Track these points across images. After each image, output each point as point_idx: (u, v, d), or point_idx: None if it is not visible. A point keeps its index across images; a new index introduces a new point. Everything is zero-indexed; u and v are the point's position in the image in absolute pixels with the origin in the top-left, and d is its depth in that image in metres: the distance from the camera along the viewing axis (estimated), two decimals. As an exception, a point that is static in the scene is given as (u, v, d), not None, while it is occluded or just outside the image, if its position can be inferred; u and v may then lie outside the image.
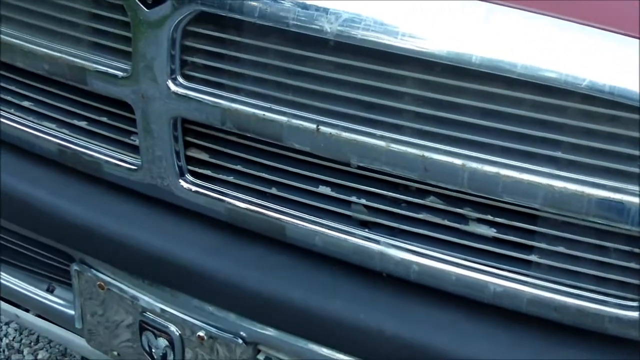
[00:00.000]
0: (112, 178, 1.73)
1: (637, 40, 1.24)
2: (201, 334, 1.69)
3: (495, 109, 1.33)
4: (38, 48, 1.69)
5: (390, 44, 1.35)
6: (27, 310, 2.10)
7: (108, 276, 1.78)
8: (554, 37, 1.28)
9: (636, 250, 1.34)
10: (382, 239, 1.49)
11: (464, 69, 1.32)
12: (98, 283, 1.80)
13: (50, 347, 3.03)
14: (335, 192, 1.52)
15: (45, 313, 2.01)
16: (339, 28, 1.36)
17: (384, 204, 1.49)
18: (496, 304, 1.43)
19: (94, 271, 1.80)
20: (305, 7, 1.38)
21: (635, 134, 1.27)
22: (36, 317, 2.08)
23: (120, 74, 1.60)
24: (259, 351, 1.66)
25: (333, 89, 1.42)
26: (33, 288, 2.01)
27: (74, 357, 2.99)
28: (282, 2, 1.40)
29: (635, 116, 1.25)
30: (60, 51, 1.67)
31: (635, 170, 1.29)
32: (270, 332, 1.61)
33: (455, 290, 1.45)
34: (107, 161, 1.72)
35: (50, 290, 2.01)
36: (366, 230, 1.51)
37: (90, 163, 1.74)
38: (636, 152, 1.28)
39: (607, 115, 1.28)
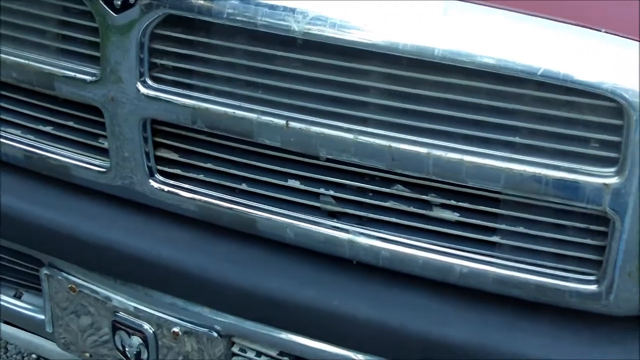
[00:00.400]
0: (81, 181, 1.77)
1: (588, 29, 1.33)
2: (176, 329, 1.73)
3: (457, 98, 1.41)
4: (6, 57, 1.72)
5: (355, 40, 1.41)
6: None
7: (79, 278, 1.81)
8: (510, 29, 1.36)
9: (592, 227, 1.42)
10: (350, 228, 1.55)
11: (426, 62, 1.39)
12: (69, 286, 1.82)
13: (7, 358, 3.02)
14: (303, 185, 1.58)
15: (14, 319, 2.03)
16: (305, 27, 1.43)
17: (352, 194, 1.55)
18: (463, 284, 1.51)
19: (65, 274, 1.82)
20: (272, 7, 1.44)
21: (587, 118, 1.35)
22: (3, 324, 2.09)
23: (89, 78, 1.64)
24: (233, 343, 1.71)
25: (301, 86, 1.48)
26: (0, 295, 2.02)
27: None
28: (250, 3, 1.45)
29: (587, 100, 1.34)
30: (28, 58, 1.70)
31: (588, 151, 1.37)
32: (244, 324, 1.66)
33: (423, 273, 1.52)
34: (75, 165, 1.75)
35: (17, 297, 2.03)
36: (335, 220, 1.57)
37: (58, 167, 1.77)
38: (588, 135, 1.36)
39: (561, 101, 1.36)
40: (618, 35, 1.32)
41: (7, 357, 2.99)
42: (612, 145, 1.35)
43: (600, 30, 1.32)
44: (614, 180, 1.35)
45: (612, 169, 1.35)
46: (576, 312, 1.47)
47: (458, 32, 1.37)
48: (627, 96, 1.30)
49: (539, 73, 1.33)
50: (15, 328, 2.07)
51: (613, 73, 1.31)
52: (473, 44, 1.36)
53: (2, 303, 2.02)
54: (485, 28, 1.36)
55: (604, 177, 1.36)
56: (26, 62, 1.70)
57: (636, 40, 1.32)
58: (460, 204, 1.48)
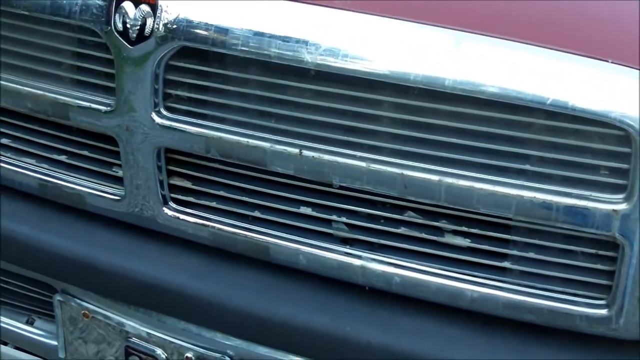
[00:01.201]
0: (95, 209, 1.79)
1: (595, 60, 1.36)
2: (189, 355, 1.75)
3: (467, 127, 1.44)
4: (22, 87, 1.75)
5: (367, 70, 1.44)
6: (5, 344, 2.13)
7: (92, 304, 1.83)
8: (519, 61, 1.39)
9: (601, 252, 1.45)
10: (363, 254, 1.58)
11: (437, 92, 1.42)
12: (82, 312, 1.84)
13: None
14: (316, 212, 1.60)
15: (26, 345, 2.05)
16: (318, 58, 1.46)
17: (364, 220, 1.58)
18: (474, 309, 1.53)
19: (78, 300, 1.84)
20: (285, 39, 1.47)
21: (596, 146, 1.38)
22: (15, 350, 2.11)
23: (104, 108, 1.67)
24: (246, 368, 1.73)
25: (314, 115, 1.51)
26: (12, 321, 2.04)
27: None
28: (264, 35, 1.49)
29: (596, 129, 1.37)
30: (43, 89, 1.73)
31: (597, 178, 1.40)
32: (257, 349, 1.68)
33: (435, 298, 1.55)
34: (90, 193, 1.78)
35: (30, 323, 2.05)
36: (348, 246, 1.59)
37: (73, 196, 1.80)
38: (597, 162, 1.39)
39: (570, 130, 1.39)
40: (625, 65, 1.35)
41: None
42: (621, 173, 1.38)
43: (607, 61, 1.35)
44: (622, 207, 1.37)
45: (621, 196, 1.38)
46: (586, 337, 1.49)
47: (468, 63, 1.40)
48: (634, 124, 1.33)
49: (548, 102, 1.36)
50: (27, 354, 2.08)
51: (620, 102, 1.34)
52: (483, 74, 1.39)
53: (15, 329, 2.03)
54: (495, 59, 1.39)
55: (612, 204, 1.38)
56: (42, 92, 1.73)
57: (643, 70, 1.35)
58: (472, 230, 1.51)
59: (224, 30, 1.51)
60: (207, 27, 1.52)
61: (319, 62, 1.46)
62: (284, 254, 1.63)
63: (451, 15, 1.45)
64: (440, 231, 1.53)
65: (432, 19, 1.43)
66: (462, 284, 1.52)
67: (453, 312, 1.55)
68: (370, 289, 1.59)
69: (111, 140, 1.70)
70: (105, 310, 1.82)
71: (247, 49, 1.50)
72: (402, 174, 1.47)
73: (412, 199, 1.50)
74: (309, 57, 1.46)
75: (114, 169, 1.75)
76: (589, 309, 1.47)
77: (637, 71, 1.35)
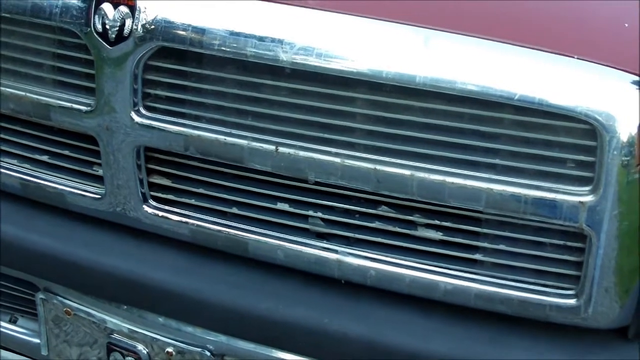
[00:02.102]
0: (76, 208, 1.82)
1: (561, 56, 1.40)
2: (169, 349, 1.78)
3: (438, 123, 1.48)
4: (4, 89, 1.78)
5: (340, 68, 1.48)
6: (-12, 344, 2.15)
7: (74, 302, 1.86)
8: (487, 57, 1.44)
9: (569, 243, 1.49)
10: (339, 249, 1.61)
11: (408, 88, 1.46)
12: (64, 309, 1.87)
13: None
14: (293, 208, 1.64)
15: (9, 344, 2.07)
16: (293, 57, 1.49)
17: (340, 215, 1.61)
18: (447, 301, 1.57)
19: (60, 298, 1.87)
20: (261, 38, 1.51)
21: (563, 139, 1.43)
22: (-1, 349, 2.14)
23: (84, 108, 1.70)
24: (226, 362, 1.76)
25: (290, 113, 1.55)
26: (-5, 320, 2.07)
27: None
28: (239, 35, 1.52)
29: (563, 123, 1.41)
30: (25, 90, 1.76)
31: (564, 171, 1.44)
32: (236, 343, 1.71)
33: (409, 291, 1.58)
34: (71, 192, 1.81)
35: (13, 321, 2.07)
36: (324, 241, 1.63)
37: (54, 195, 1.83)
38: (565, 155, 1.44)
39: (538, 124, 1.43)
40: (590, 61, 1.40)
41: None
42: (587, 165, 1.42)
43: (572, 57, 1.40)
44: (589, 198, 1.42)
45: (587, 188, 1.42)
46: (558, 327, 1.53)
47: (438, 60, 1.44)
48: (599, 118, 1.38)
49: (516, 98, 1.40)
50: (10, 352, 2.10)
51: (586, 97, 1.38)
52: (452, 71, 1.43)
53: (-2, 328, 2.06)
54: (464, 56, 1.43)
55: (580, 196, 1.42)
56: (23, 93, 1.76)
57: (607, 66, 1.39)
58: (444, 223, 1.55)
59: (201, 31, 1.55)
60: (184, 27, 1.56)
61: (294, 60, 1.49)
62: (262, 250, 1.66)
63: (423, 14, 1.49)
64: (413, 225, 1.57)
65: (404, 18, 1.47)
66: (436, 276, 1.56)
67: (428, 303, 1.59)
68: (347, 282, 1.63)
69: (92, 139, 1.73)
70: (87, 307, 1.84)
71: (224, 48, 1.53)
72: (375, 169, 1.51)
73: (386, 193, 1.53)
74: (284, 56, 1.50)
75: (94, 168, 1.78)
76: (558, 299, 1.51)
77: (602, 66, 1.39)
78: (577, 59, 1.40)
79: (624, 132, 1.37)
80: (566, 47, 1.42)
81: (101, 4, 1.60)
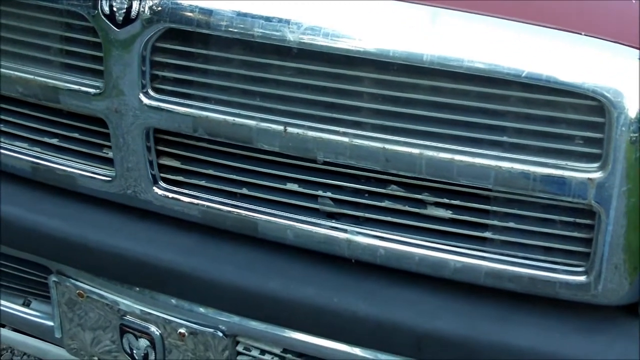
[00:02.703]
0: (87, 191, 1.83)
1: (569, 33, 1.40)
2: (182, 330, 1.79)
3: (446, 101, 1.48)
4: (12, 72, 1.78)
5: (347, 48, 1.48)
6: (2, 326, 2.17)
7: (87, 284, 1.87)
8: (495, 35, 1.43)
9: (579, 220, 1.49)
10: (349, 228, 1.62)
11: (416, 67, 1.46)
12: (77, 292, 1.88)
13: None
14: (302, 188, 1.64)
15: (23, 326, 2.09)
16: (300, 36, 1.49)
17: (349, 195, 1.62)
18: (456, 279, 1.57)
19: (73, 280, 1.88)
20: (268, 19, 1.51)
21: (571, 116, 1.42)
22: (13, 332, 2.15)
23: (93, 91, 1.70)
24: (238, 342, 1.77)
25: (298, 93, 1.55)
26: (9, 304, 2.08)
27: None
28: (246, 15, 1.52)
29: (571, 100, 1.41)
30: (33, 74, 1.76)
31: (573, 148, 1.44)
32: (248, 323, 1.72)
33: (419, 269, 1.59)
34: (81, 175, 1.82)
35: (26, 305, 2.09)
36: (333, 221, 1.63)
37: (64, 178, 1.84)
38: (573, 132, 1.43)
39: (546, 101, 1.43)
40: (598, 38, 1.39)
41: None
42: (595, 142, 1.42)
43: (580, 34, 1.39)
44: (597, 175, 1.41)
45: (596, 164, 1.42)
46: (567, 304, 1.53)
47: (445, 38, 1.44)
48: (607, 95, 1.37)
49: (524, 75, 1.40)
50: (24, 335, 2.12)
51: (594, 73, 1.38)
52: (460, 49, 1.43)
53: (12, 311, 2.07)
54: (472, 34, 1.43)
55: (588, 172, 1.42)
56: (32, 77, 1.77)
57: (615, 42, 1.39)
58: (453, 201, 1.55)
59: (208, 12, 1.55)
60: (191, 8, 1.56)
61: (301, 40, 1.49)
62: (271, 230, 1.67)
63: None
64: (422, 204, 1.57)
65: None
66: (445, 254, 1.57)
67: (438, 282, 1.59)
68: (357, 261, 1.63)
69: (101, 122, 1.73)
70: (99, 289, 1.86)
71: (231, 29, 1.54)
72: (384, 148, 1.51)
73: (395, 172, 1.53)
74: (292, 36, 1.50)
75: (104, 151, 1.79)
76: (568, 276, 1.51)
77: (610, 43, 1.39)
78: (585, 35, 1.39)
79: (632, 108, 1.36)
80: (574, 24, 1.41)
81: (108, -14, 1.60)
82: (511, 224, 1.53)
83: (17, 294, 2.08)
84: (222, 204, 1.70)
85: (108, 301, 1.85)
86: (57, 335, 1.99)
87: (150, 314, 1.81)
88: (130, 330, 1.85)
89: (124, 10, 1.59)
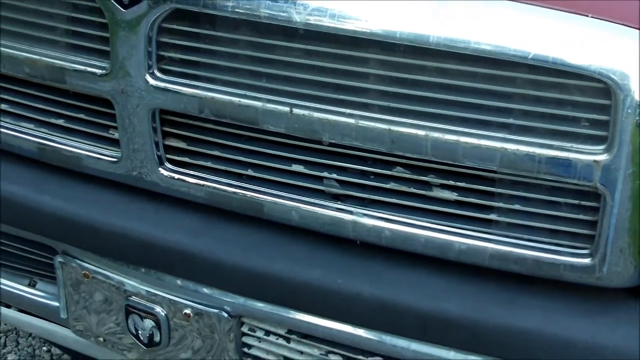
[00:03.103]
0: (93, 171, 1.84)
1: (575, 14, 1.40)
2: (187, 311, 1.80)
3: (452, 83, 1.48)
4: (19, 53, 1.79)
5: (354, 29, 1.48)
6: (8, 306, 2.18)
7: (92, 265, 1.88)
8: (501, 16, 1.43)
9: (584, 203, 1.49)
10: (354, 210, 1.62)
11: (422, 48, 1.46)
12: (83, 272, 1.89)
13: (19, 350, 3.09)
14: (308, 169, 1.65)
15: (29, 307, 2.10)
16: (306, 17, 1.49)
17: (354, 177, 1.62)
18: (461, 260, 1.58)
19: (78, 261, 1.89)
20: (274, 0, 1.51)
21: (577, 98, 1.42)
22: (18, 312, 2.16)
23: (99, 71, 1.71)
24: (243, 323, 1.78)
25: (304, 74, 1.55)
26: (15, 284, 2.09)
27: (43, 358, 3.06)
28: (253, -4, 1.53)
29: (577, 82, 1.41)
30: (40, 54, 1.77)
31: (578, 130, 1.44)
32: (253, 304, 1.73)
33: (424, 251, 1.59)
34: (87, 156, 1.82)
35: (32, 285, 2.10)
36: (339, 202, 1.64)
37: (71, 159, 1.84)
38: (578, 114, 1.43)
39: (552, 83, 1.43)
40: (604, 20, 1.39)
41: (19, 350, 3.06)
42: (601, 124, 1.42)
43: (587, 15, 1.39)
44: (603, 157, 1.42)
45: (602, 147, 1.42)
46: (571, 286, 1.53)
47: (451, 19, 1.43)
48: (614, 77, 1.37)
49: (530, 57, 1.40)
50: (29, 316, 2.13)
51: (600, 55, 1.38)
52: (466, 30, 1.43)
53: (17, 292, 2.08)
54: (477, 15, 1.42)
55: (594, 155, 1.42)
56: (38, 57, 1.77)
57: (622, 24, 1.39)
58: (459, 183, 1.55)
59: (214, -8, 1.55)
60: (198, -11, 1.56)
61: (307, 21, 1.49)
62: (277, 211, 1.67)
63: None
64: (428, 185, 1.58)
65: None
66: (450, 236, 1.57)
67: (443, 264, 1.60)
68: (362, 243, 1.64)
69: (107, 103, 1.74)
70: (105, 270, 1.87)
71: (237, 10, 1.54)
72: (389, 129, 1.51)
73: (400, 154, 1.54)
74: (298, 17, 1.50)
75: (110, 132, 1.80)
76: (573, 258, 1.51)
77: (616, 25, 1.39)
78: (591, 17, 1.39)
79: (639, 90, 1.36)
80: (580, 6, 1.41)
81: (114, -34, 1.60)
82: (516, 206, 1.53)
83: (22, 275, 2.09)
84: (228, 185, 1.71)
85: (114, 282, 1.86)
86: (63, 315, 2.00)
87: (155, 294, 1.82)
88: (136, 311, 1.86)
89: (131, -9, 1.59)
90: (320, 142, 1.59)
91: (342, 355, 1.69)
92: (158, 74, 1.65)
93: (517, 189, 1.52)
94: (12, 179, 1.90)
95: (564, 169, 1.44)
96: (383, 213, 1.60)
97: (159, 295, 1.81)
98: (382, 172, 1.59)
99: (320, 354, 1.71)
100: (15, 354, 3.06)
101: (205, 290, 1.76)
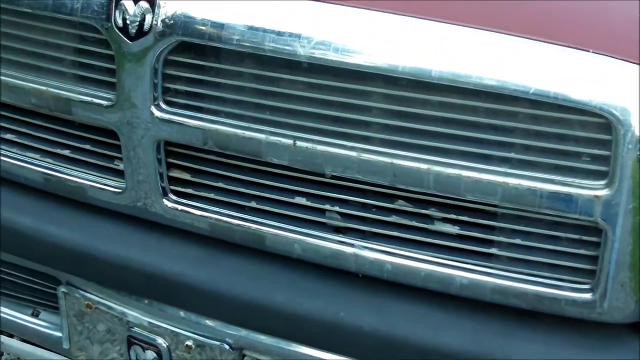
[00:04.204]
0: (97, 202, 1.84)
1: (577, 50, 1.41)
2: (189, 343, 1.80)
3: (454, 117, 1.49)
4: (26, 83, 1.80)
5: (357, 63, 1.50)
6: (11, 336, 2.18)
7: (96, 295, 1.88)
8: (503, 51, 1.44)
9: (585, 237, 1.49)
10: (356, 242, 1.63)
11: (424, 82, 1.47)
12: (86, 303, 1.89)
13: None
14: (310, 202, 1.65)
15: (32, 337, 2.10)
16: (310, 51, 1.51)
17: (356, 209, 1.63)
18: (462, 295, 1.58)
19: (82, 292, 1.89)
20: (279, 33, 1.53)
21: (578, 133, 1.43)
22: (21, 342, 2.16)
23: (105, 103, 1.72)
24: (244, 356, 1.77)
25: (307, 107, 1.56)
26: (18, 314, 2.09)
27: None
28: (258, 29, 1.54)
29: (578, 117, 1.42)
30: (47, 85, 1.79)
31: (580, 165, 1.44)
32: (255, 336, 1.73)
33: (425, 285, 1.59)
34: (92, 186, 1.83)
35: (35, 315, 2.10)
36: (341, 235, 1.64)
37: (75, 189, 1.85)
38: (580, 149, 1.44)
39: (553, 118, 1.44)
40: (605, 55, 1.40)
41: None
42: (602, 159, 1.42)
43: (588, 51, 1.40)
44: (604, 192, 1.42)
45: (603, 182, 1.43)
46: (572, 320, 1.53)
47: (453, 54, 1.45)
48: (615, 112, 1.38)
49: (531, 92, 1.41)
50: (32, 346, 2.13)
51: (601, 91, 1.39)
52: (468, 65, 1.44)
53: (21, 322, 2.08)
54: (480, 50, 1.44)
55: (595, 190, 1.43)
56: (45, 88, 1.79)
57: (623, 60, 1.40)
58: (460, 217, 1.55)
59: (219, 25, 1.57)
60: (204, 22, 1.57)
61: (311, 54, 1.51)
62: (279, 243, 1.68)
63: (438, 8, 1.50)
64: (429, 219, 1.58)
65: (420, 12, 1.48)
66: (452, 270, 1.57)
67: (444, 297, 1.60)
68: (364, 276, 1.64)
69: (112, 134, 1.75)
70: (108, 301, 1.87)
71: (242, 43, 1.55)
72: (391, 163, 1.52)
73: (402, 187, 1.54)
74: (302, 51, 1.51)
75: (115, 163, 1.81)
76: (574, 293, 1.51)
77: (617, 60, 1.40)
78: (592, 52, 1.40)
79: (639, 126, 1.37)
80: (581, 41, 1.42)
81: (121, -1, 1.62)
82: (517, 241, 1.53)
83: (26, 304, 2.09)
84: (230, 217, 1.71)
85: (116, 313, 1.86)
86: (65, 346, 2.00)
87: (158, 325, 1.82)
88: (138, 342, 1.86)
89: (137, 23, 1.61)
90: (322, 175, 1.60)
91: (343, 388, 1.69)
92: (163, 106, 1.66)
93: (519, 223, 1.52)
94: (17, 208, 1.91)
95: (565, 204, 1.45)
96: (384, 246, 1.61)
97: (161, 326, 1.81)
98: (384, 205, 1.60)
99: (322, 386, 1.71)
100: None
101: (208, 322, 1.76)
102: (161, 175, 1.73)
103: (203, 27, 1.57)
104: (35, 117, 1.88)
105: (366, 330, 1.59)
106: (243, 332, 1.74)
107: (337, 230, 1.65)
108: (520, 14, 1.50)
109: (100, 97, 1.73)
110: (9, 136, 1.93)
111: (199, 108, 1.65)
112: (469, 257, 1.57)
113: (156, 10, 1.60)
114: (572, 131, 1.43)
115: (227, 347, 1.75)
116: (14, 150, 1.93)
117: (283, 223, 1.67)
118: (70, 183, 1.86)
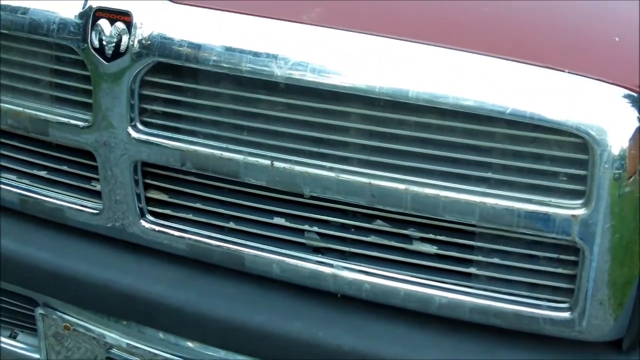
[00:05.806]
0: (75, 223, 1.83)
1: (552, 70, 1.41)
2: (168, 365, 1.79)
3: (432, 137, 1.49)
4: (2, 105, 1.79)
5: (334, 83, 1.50)
6: (-12, 359, 2.17)
7: (73, 317, 1.87)
8: (479, 71, 1.45)
9: (563, 257, 1.50)
10: (334, 263, 1.62)
11: (401, 103, 1.47)
12: (64, 324, 1.88)
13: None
14: (289, 222, 1.65)
15: (10, 358, 2.08)
16: (287, 72, 1.51)
17: (335, 230, 1.62)
18: (441, 314, 1.57)
19: (59, 313, 1.88)
20: (256, 54, 1.53)
21: (555, 153, 1.43)
22: (-2, 365, 2.15)
23: (81, 124, 1.72)
24: (223, 377, 1.76)
25: (285, 127, 1.56)
26: (-5, 336, 2.08)
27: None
28: (235, 50, 1.54)
29: (555, 137, 1.42)
30: (23, 106, 1.78)
31: (557, 184, 1.45)
32: (235, 357, 1.72)
33: (404, 304, 1.59)
34: (69, 207, 1.82)
35: (13, 337, 2.08)
36: (319, 255, 1.64)
37: (53, 210, 1.84)
38: (557, 169, 1.44)
39: (530, 138, 1.44)
40: (581, 75, 1.41)
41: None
42: (579, 179, 1.43)
43: (564, 71, 1.41)
44: (581, 212, 1.42)
45: (580, 201, 1.43)
46: (551, 339, 1.53)
47: (430, 74, 1.45)
48: (591, 132, 1.39)
49: (508, 112, 1.41)
50: (10, 367, 2.11)
51: (577, 110, 1.39)
52: (445, 85, 1.44)
53: (-3, 343, 2.07)
54: (456, 71, 1.44)
55: (572, 209, 1.43)
56: (21, 109, 1.78)
57: (598, 80, 1.40)
58: (439, 237, 1.55)
59: (197, 46, 1.56)
60: (180, 43, 1.57)
61: (288, 75, 1.51)
62: (258, 264, 1.67)
63: (416, 30, 1.50)
64: (408, 239, 1.58)
65: (397, 33, 1.48)
66: (431, 290, 1.57)
67: (423, 316, 1.59)
68: (343, 296, 1.63)
69: (89, 155, 1.74)
70: (86, 322, 1.85)
71: (219, 64, 1.55)
72: (370, 183, 1.52)
73: (381, 207, 1.54)
74: (279, 72, 1.51)
75: (92, 184, 1.80)
76: (552, 312, 1.51)
77: (593, 80, 1.40)
78: (568, 72, 1.40)
79: (615, 145, 1.38)
80: (557, 61, 1.43)
81: (98, 20, 1.62)
82: (496, 260, 1.53)
83: (3, 326, 2.07)
84: (209, 238, 1.71)
85: (94, 334, 1.85)
86: (43, 367, 1.99)
87: (136, 347, 1.80)
88: (116, 364, 1.85)
89: (114, 44, 1.60)
90: (301, 195, 1.59)
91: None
92: (140, 127, 1.66)
93: (497, 242, 1.52)
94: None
95: (542, 224, 1.45)
96: (363, 266, 1.61)
97: (140, 347, 1.80)
98: (363, 225, 1.60)
99: (301, 408, 1.70)
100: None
101: (187, 343, 1.75)
102: (138, 196, 1.72)
103: (180, 48, 1.57)
104: (12, 138, 1.87)
105: (345, 349, 1.58)
106: (222, 354, 1.72)
107: (316, 250, 1.64)
108: (497, 34, 1.50)
109: (77, 118, 1.72)
110: (-16, 158, 1.92)
111: (176, 129, 1.65)
112: (448, 276, 1.57)
113: (133, 31, 1.60)
114: (549, 151, 1.43)
115: (206, 368, 1.74)
116: (-9, 172, 1.91)
117: (262, 244, 1.67)
118: (47, 204, 1.84)
